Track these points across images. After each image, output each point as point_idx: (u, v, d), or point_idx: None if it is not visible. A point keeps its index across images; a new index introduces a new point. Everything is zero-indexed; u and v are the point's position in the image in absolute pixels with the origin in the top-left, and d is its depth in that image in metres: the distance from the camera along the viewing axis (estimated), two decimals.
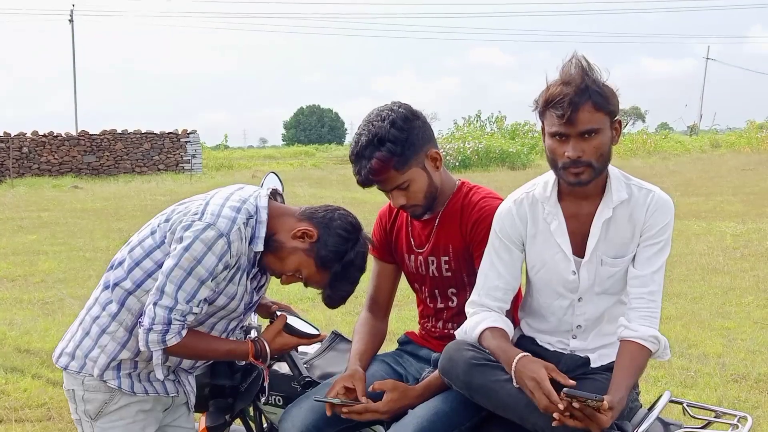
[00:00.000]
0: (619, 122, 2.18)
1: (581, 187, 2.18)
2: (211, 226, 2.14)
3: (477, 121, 35.44)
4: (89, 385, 2.28)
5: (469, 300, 2.36)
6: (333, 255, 2.29)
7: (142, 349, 2.20)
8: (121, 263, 2.28)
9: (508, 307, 2.33)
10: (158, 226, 2.27)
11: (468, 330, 2.27)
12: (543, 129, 2.19)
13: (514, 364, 2.07)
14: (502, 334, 2.22)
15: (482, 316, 2.27)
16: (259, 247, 2.25)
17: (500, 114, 35.67)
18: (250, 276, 2.32)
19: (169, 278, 2.13)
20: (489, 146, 27.87)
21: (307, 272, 2.32)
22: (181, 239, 2.16)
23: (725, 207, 13.71)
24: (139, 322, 2.19)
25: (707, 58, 59.09)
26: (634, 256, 2.21)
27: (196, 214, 2.20)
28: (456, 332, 2.35)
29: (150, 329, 2.15)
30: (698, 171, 22.02)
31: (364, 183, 2.38)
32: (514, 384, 2.07)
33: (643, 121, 79.37)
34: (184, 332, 2.18)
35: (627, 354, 2.10)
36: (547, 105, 2.12)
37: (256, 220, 2.25)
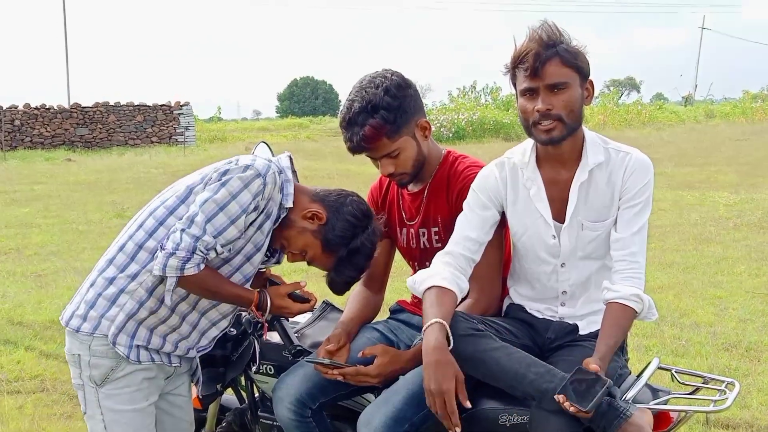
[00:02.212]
0: (591, 83, 2.18)
1: (555, 147, 2.17)
2: (250, 166, 2.19)
3: (472, 92, 35.32)
4: (96, 351, 2.25)
5: (443, 250, 2.32)
6: (339, 239, 2.31)
7: (156, 273, 2.16)
8: (141, 225, 2.27)
9: (477, 259, 2.30)
10: (188, 187, 2.28)
11: (418, 281, 2.25)
12: (516, 95, 2.19)
13: (423, 329, 2.08)
14: (445, 299, 2.16)
15: (437, 270, 2.24)
16: (290, 203, 2.29)
17: (495, 85, 35.55)
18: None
19: (201, 208, 2.15)
20: (483, 117, 27.77)
21: (312, 253, 2.35)
22: (219, 177, 2.20)
23: (719, 177, 13.73)
24: (161, 246, 2.16)
25: (702, 28, 58.76)
26: (616, 219, 2.21)
27: (230, 162, 2.25)
28: (408, 279, 2.33)
29: (173, 254, 2.12)
30: (692, 141, 22.00)
31: (355, 150, 2.37)
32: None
33: (638, 91, 79.16)
34: (202, 266, 2.17)
35: (610, 315, 2.11)
36: (515, 63, 2.14)
37: (283, 178, 2.29)
